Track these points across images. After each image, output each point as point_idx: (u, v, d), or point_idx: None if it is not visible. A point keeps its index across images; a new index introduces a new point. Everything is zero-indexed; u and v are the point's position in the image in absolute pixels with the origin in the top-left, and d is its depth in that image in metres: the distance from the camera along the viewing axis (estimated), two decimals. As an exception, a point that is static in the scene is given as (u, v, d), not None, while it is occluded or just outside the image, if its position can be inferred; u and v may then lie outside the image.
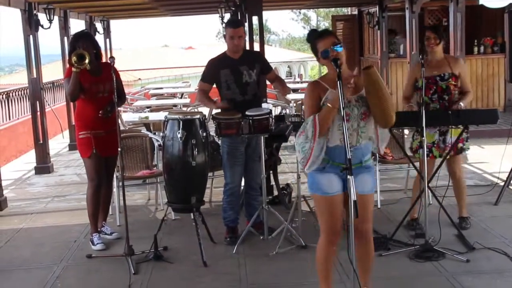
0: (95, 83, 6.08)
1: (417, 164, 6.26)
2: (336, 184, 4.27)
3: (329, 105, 4.10)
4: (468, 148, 6.38)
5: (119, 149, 5.67)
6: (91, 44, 6.16)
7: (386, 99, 4.24)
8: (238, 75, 6.18)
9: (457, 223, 6.26)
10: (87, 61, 5.84)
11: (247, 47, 8.79)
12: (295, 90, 14.00)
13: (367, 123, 4.28)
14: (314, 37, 4.34)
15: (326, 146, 4.22)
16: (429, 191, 6.13)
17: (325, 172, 4.26)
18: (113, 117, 5.82)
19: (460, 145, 6.23)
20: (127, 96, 11.59)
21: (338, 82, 4.00)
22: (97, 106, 6.06)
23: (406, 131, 8.00)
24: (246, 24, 9.11)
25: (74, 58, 5.81)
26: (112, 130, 5.82)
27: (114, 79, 5.68)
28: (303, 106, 11.13)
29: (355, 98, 4.24)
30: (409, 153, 6.50)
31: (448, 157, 6.19)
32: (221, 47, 6.35)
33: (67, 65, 6.19)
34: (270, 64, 6.69)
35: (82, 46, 5.98)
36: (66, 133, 13.39)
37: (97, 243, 6.25)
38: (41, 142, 10.45)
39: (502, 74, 13.75)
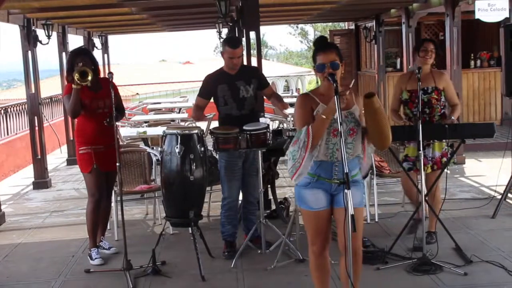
0: (95, 99, 6.11)
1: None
2: (322, 199, 4.31)
3: (322, 116, 4.10)
4: (453, 163, 6.39)
5: (117, 164, 5.66)
6: (90, 60, 6.17)
7: (385, 125, 4.26)
8: (235, 90, 6.21)
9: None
10: (89, 77, 5.88)
11: (245, 62, 8.84)
12: (292, 105, 14.03)
13: (355, 140, 4.30)
14: (316, 47, 4.37)
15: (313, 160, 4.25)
16: (426, 205, 6.13)
17: (312, 188, 4.29)
18: (113, 132, 5.83)
19: (444, 159, 6.26)
20: (125, 111, 11.63)
21: (335, 96, 4.00)
22: (97, 122, 6.10)
23: (403, 145, 8.02)
24: (244, 39, 9.16)
25: (77, 75, 5.83)
26: (112, 145, 5.83)
27: (113, 94, 5.71)
28: (293, 119, 11.23)
29: (345, 113, 4.25)
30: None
31: (430, 171, 6.23)
32: (219, 61, 6.39)
33: (66, 82, 6.21)
34: (268, 78, 6.73)
35: (81, 62, 6.01)
36: (64, 148, 13.43)
37: (95, 258, 6.24)
38: (39, 157, 10.47)
39: (498, 87, 13.80)
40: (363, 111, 4.38)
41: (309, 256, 4.54)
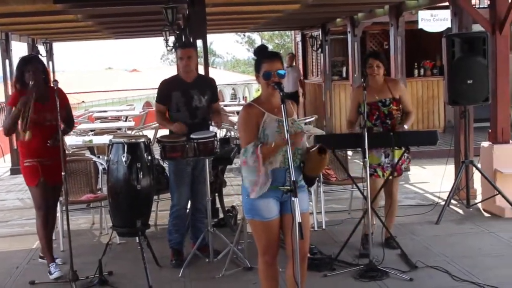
0: (42, 112, 5.82)
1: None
2: (274, 208, 4.34)
3: (272, 145, 4.18)
4: (409, 169, 6.52)
5: (63, 173, 5.50)
6: (41, 68, 5.95)
7: (321, 169, 4.57)
8: (189, 98, 6.19)
9: (384, 243, 6.36)
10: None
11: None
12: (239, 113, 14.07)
13: (302, 145, 4.37)
14: (262, 55, 4.42)
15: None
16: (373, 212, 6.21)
17: (264, 197, 4.30)
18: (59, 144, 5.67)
19: (403, 165, 6.36)
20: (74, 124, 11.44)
21: (282, 105, 4.10)
22: (43, 134, 5.83)
23: (349, 153, 8.13)
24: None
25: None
26: (58, 158, 5.57)
27: (58, 103, 5.48)
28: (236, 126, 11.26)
29: (290, 120, 4.29)
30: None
31: (391, 177, 6.31)
32: (166, 69, 6.41)
33: (12, 90, 6.02)
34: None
35: (32, 69, 5.80)
36: (8, 157, 13.16)
37: (54, 272, 5.97)
38: (-18, 166, 10.25)
39: (441, 96, 14.08)
40: None
41: (259, 266, 4.53)
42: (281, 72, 4.29)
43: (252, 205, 4.35)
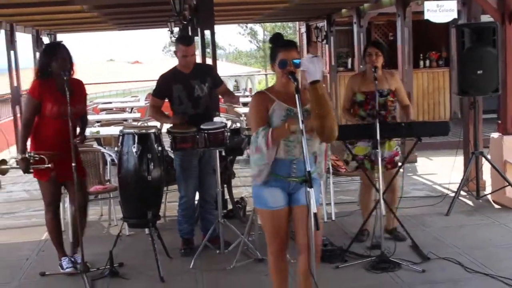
0: (64, 104, 5.38)
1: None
2: (280, 198, 4.31)
3: (290, 128, 4.10)
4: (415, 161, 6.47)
5: (73, 164, 5.39)
6: (68, 55, 5.65)
7: (330, 115, 4.21)
8: (190, 89, 6.18)
9: (392, 236, 6.37)
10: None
11: (199, 61, 8.80)
12: (245, 104, 14.05)
13: (312, 136, 4.26)
14: (278, 44, 4.36)
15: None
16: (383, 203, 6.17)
17: (269, 186, 4.28)
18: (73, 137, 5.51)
19: (396, 158, 6.32)
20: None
21: (296, 95, 4.06)
22: (61, 128, 5.51)
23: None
24: (198, 38, 9.13)
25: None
26: (71, 153, 5.38)
27: (76, 96, 5.39)
28: (245, 118, 11.23)
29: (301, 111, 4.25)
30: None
31: (385, 170, 6.24)
32: (168, 61, 6.38)
33: (33, 78, 5.70)
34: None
35: (61, 55, 5.57)
36: (13, 148, 13.13)
37: (67, 268, 5.88)
38: (-13, 158, 10.19)
39: (447, 87, 14.05)
40: None
41: (267, 257, 4.51)
42: (297, 61, 4.24)
43: (258, 194, 4.35)
